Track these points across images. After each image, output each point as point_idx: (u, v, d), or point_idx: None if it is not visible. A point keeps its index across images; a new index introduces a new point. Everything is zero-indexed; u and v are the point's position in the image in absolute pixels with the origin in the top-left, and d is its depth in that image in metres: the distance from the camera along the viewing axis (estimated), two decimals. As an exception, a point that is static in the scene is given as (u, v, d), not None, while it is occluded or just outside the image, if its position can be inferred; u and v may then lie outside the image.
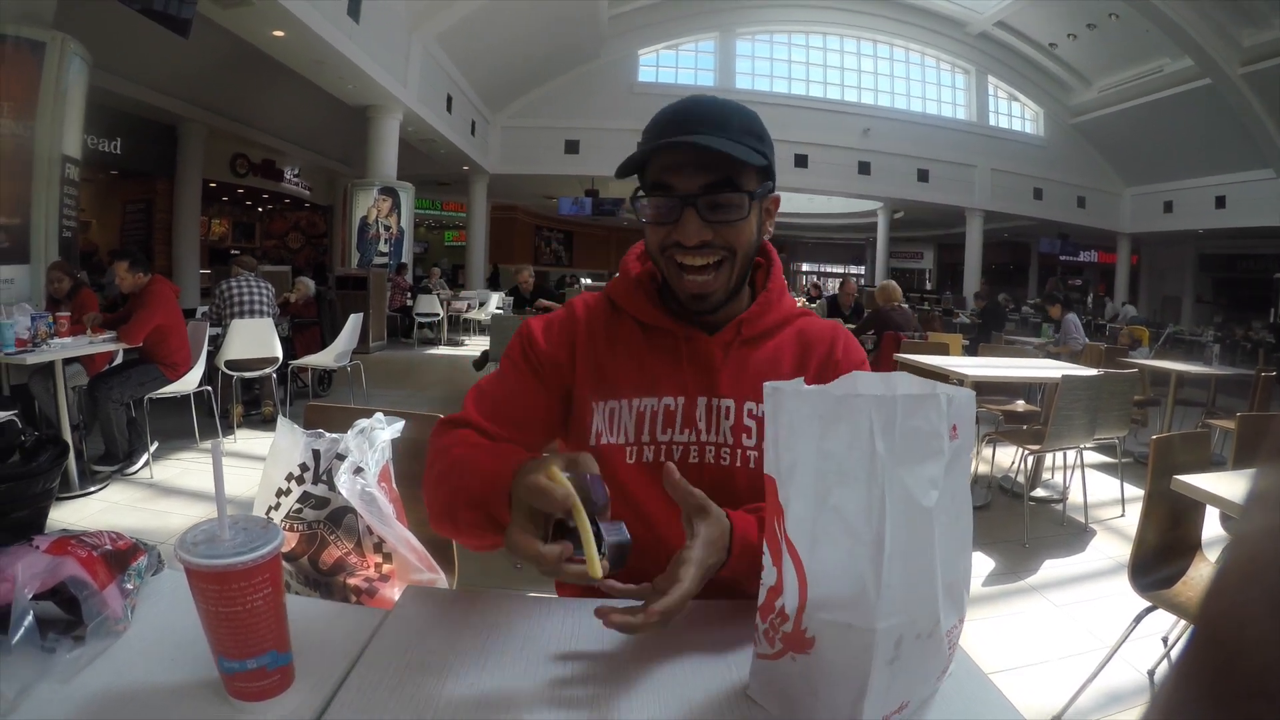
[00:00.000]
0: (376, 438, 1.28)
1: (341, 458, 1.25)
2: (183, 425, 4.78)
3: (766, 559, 0.72)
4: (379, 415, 1.34)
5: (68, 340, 4.27)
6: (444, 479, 0.97)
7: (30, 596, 0.74)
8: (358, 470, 1.21)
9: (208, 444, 4.91)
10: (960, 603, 0.72)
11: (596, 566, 0.72)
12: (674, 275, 1.05)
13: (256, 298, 5.69)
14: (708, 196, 0.99)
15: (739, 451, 1.07)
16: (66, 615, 0.77)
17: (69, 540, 0.84)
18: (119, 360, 4.79)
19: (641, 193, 1.04)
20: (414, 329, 12.28)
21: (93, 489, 4.03)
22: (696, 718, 0.72)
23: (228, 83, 12.26)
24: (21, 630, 0.72)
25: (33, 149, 5.97)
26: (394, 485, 1.30)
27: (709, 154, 0.96)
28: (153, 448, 4.47)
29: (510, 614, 0.92)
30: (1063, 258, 22.78)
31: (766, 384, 0.71)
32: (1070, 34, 18.49)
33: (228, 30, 8.85)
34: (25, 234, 6.00)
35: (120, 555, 0.87)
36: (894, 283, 6.83)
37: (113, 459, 4.29)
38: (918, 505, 0.64)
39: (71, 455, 3.95)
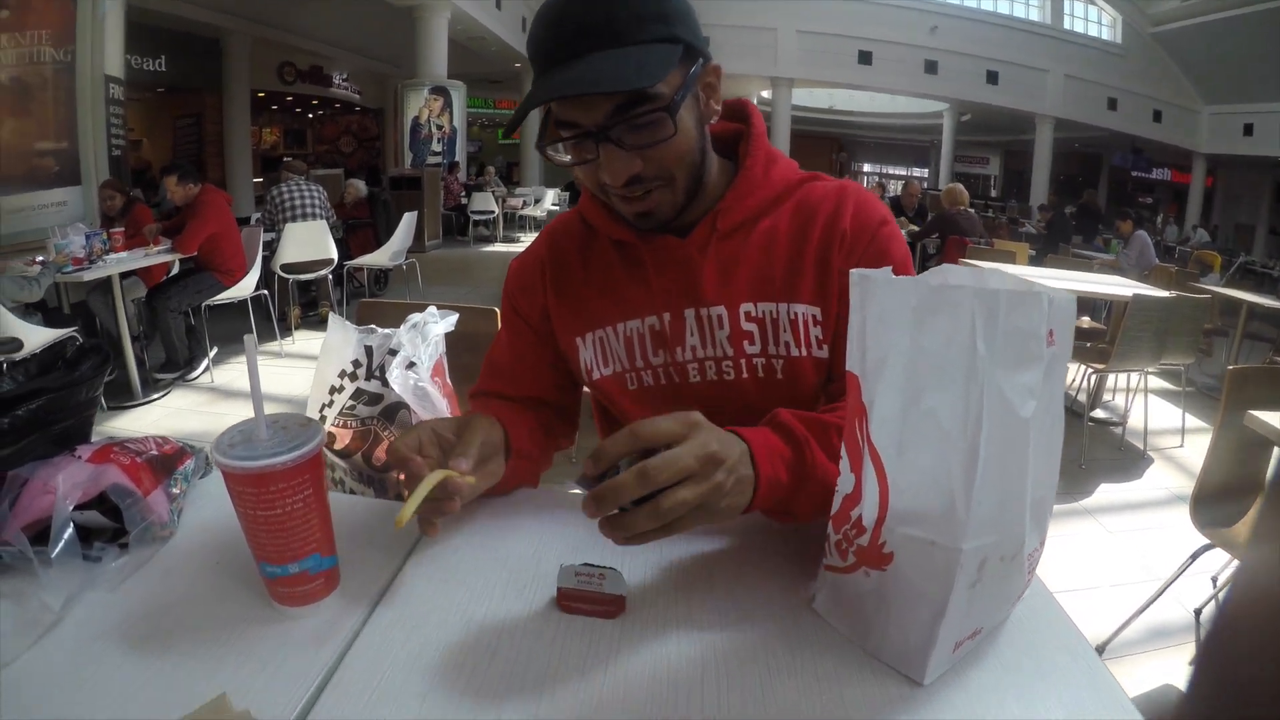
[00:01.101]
0: (430, 331, 1.23)
1: (394, 353, 1.22)
2: (241, 330, 4.76)
3: (844, 464, 0.65)
4: (432, 309, 1.28)
5: (123, 255, 4.34)
6: None
7: (72, 507, 0.73)
8: (410, 365, 1.17)
9: (266, 347, 5.02)
10: (1044, 525, 0.65)
11: (401, 518, 0.65)
12: (613, 203, 0.91)
13: (308, 201, 5.69)
14: (620, 124, 0.80)
15: (742, 361, 0.95)
16: (111, 523, 0.75)
17: (112, 448, 0.81)
18: (175, 271, 4.87)
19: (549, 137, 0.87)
20: (469, 227, 12.18)
21: (155, 396, 4.14)
22: (757, 629, 0.67)
23: (269, -11, 12.06)
24: (62, 542, 0.70)
25: (74, 73, 5.98)
26: (448, 380, 1.26)
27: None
28: (212, 353, 4.57)
29: (565, 509, 0.88)
30: (1135, 173, 21.78)
31: (853, 271, 0.62)
32: (1155, -66, 17.08)
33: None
34: (74, 157, 6.04)
35: (166, 460, 0.85)
36: (960, 186, 6.56)
37: (174, 366, 4.40)
38: (1015, 415, 0.56)
39: (133, 364, 4.10)
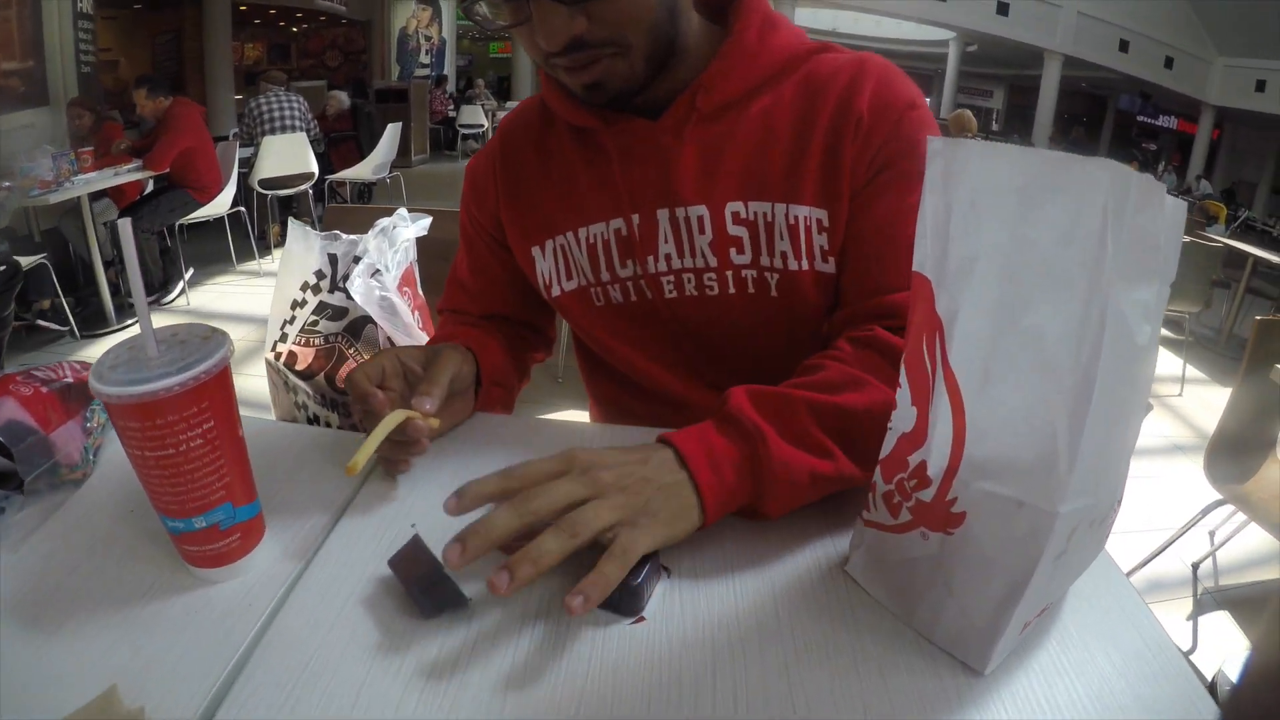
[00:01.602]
0: (398, 236, 1.09)
1: (359, 260, 1.07)
2: (220, 249, 4.71)
3: (904, 394, 0.50)
4: (401, 211, 1.14)
5: (92, 175, 4.12)
6: None
7: None
8: (375, 273, 1.03)
9: (245, 266, 4.85)
10: (1125, 478, 0.50)
11: (355, 464, 0.56)
12: (561, 78, 0.73)
13: (288, 112, 5.45)
14: None
15: (728, 274, 0.78)
16: (14, 466, 0.62)
17: (14, 377, 0.67)
18: (150, 190, 4.65)
19: None
20: (458, 141, 11.74)
21: (130, 323, 3.98)
22: (777, 596, 0.54)
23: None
24: None
25: None
26: (420, 291, 1.12)
27: None
28: (188, 275, 4.42)
29: (543, 440, 0.75)
30: (1141, 118, 21.30)
31: (933, 139, 0.47)
32: None
33: None
34: (42, 76, 5.77)
35: (82, 389, 0.70)
36: (968, 112, 6.24)
37: (149, 289, 4.21)
38: (1131, 342, 0.42)
39: (106, 290, 3.95)
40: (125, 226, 0.49)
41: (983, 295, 0.44)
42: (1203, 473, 2.00)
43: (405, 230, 1.11)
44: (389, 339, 1.05)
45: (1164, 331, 4.89)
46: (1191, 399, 3.97)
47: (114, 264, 4.27)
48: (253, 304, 4.16)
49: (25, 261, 3.36)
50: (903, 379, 0.50)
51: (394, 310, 1.02)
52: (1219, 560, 2.40)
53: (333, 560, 0.56)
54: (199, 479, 0.50)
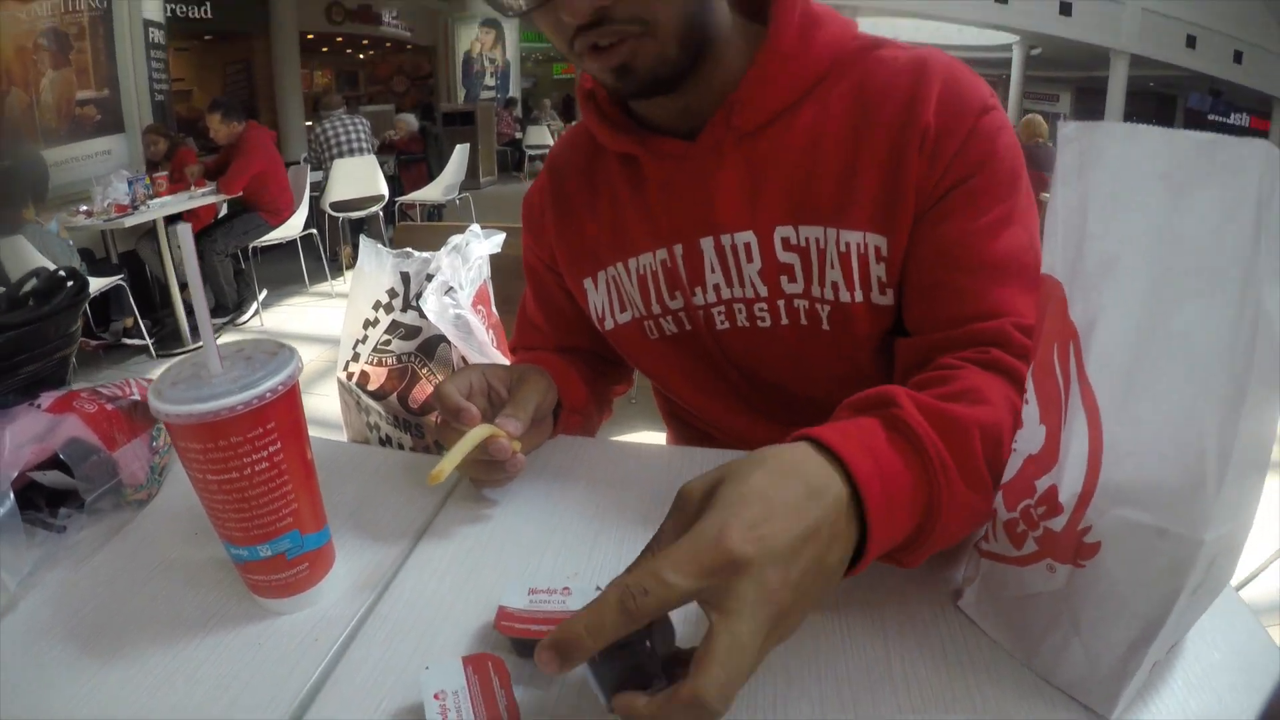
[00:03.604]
0: (471, 253, 1.06)
1: (433, 279, 1.05)
2: (292, 271, 4.83)
3: (1031, 412, 0.45)
4: (474, 228, 1.12)
5: (167, 199, 4.28)
6: None
7: (25, 468, 0.58)
8: (449, 290, 1.01)
9: (317, 287, 4.96)
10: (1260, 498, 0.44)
11: (440, 472, 0.55)
12: (588, 68, 0.67)
13: (353, 135, 5.58)
14: None
15: (780, 304, 0.71)
16: (75, 485, 0.61)
17: (78, 394, 0.66)
18: (223, 214, 4.81)
19: None
20: (525, 162, 11.91)
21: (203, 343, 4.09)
22: (878, 635, 0.49)
23: (312, -76, 11.90)
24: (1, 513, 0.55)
25: (112, 19, 5.90)
26: (494, 309, 1.10)
27: None
28: (261, 296, 4.54)
29: (630, 467, 0.71)
30: (1212, 117, 20.52)
31: (1068, 125, 0.41)
32: None
33: None
34: (117, 105, 5.99)
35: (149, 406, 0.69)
36: (1039, 117, 6.15)
37: (223, 311, 4.37)
38: (1278, 345, 0.36)
39: (181, 311, 4.10)
40: (185, 232, 0.47)
41: (1125, 297, 0.39)
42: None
43: (478, 247, 1.09)
44: (463, 358, 1.03)
45: None
46: None
47: (189, 285, 4.41)
48: (325, 324, 4.25)
49: (103, 283, 3.49)
50: (1030, 395, 0.45)
51: (469, 329, 1.00)
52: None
53: (407, 591, 0.54)
54: (264, 505, 0.47)
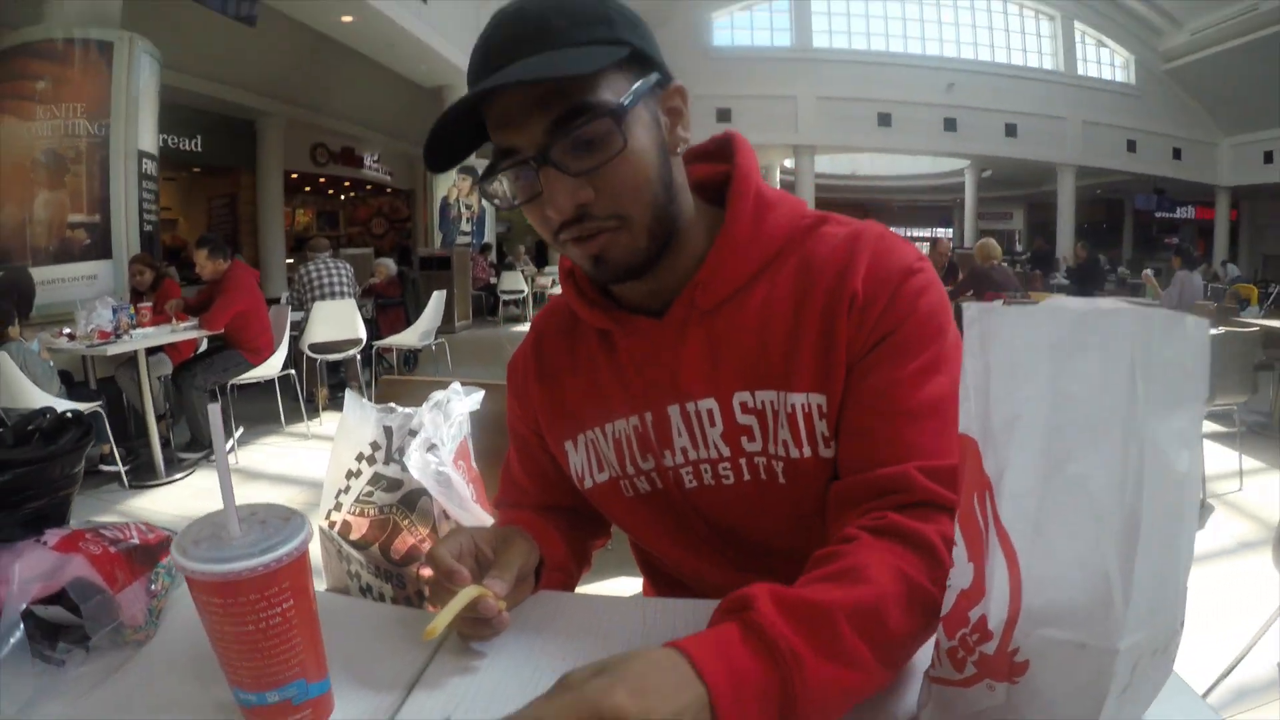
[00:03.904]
0: (453, 410, 1.12)
1: (415, 434, 1.10)
2: (268, 410, 4.83)
3: (960, 552, 0.52)
4: (455, 385, 1.19)
5: (150, 330, 4.34)
6: None
7: (27, 602, 0.62)
8: (431, 447, 1.06)
9: (293, 428, 4.95)
10: (1185, 601, 0.51)
11: (434, 628, 0.60)
12: (571, 254, 0.76)
13: (336, 279, 5.71)
14: (560, 141, 0.66)
15: (742, 461, 0.78)
16: (79, 621, 0.65)
17: (83, 534, 0.71)
18: (203, 348, 4.88)
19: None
20: (499, 307, 12.15)
21: (179, 476, 4.08)
22: None
23: (301, 73, 12.45)
24: (9, 645, 0.59)
25: (109, 147, 6.07)
26: (473, 464, 1.15)
27: (539, 85, 0.65)
28: (238, 433, 4.53)
29: (600, 616, 0.75)
30: (1159, 214, 21.62)
31: (969, 306, 0.49)
32: (1160, -29, 17.30)
33: (297, 20, 8.92)
34: (106, 231, 6.09)
35: (148, 550, 0.73)
36: (992, 240, 6.48)
37: (199, 446, 4.36)
38: (1171, 471, 0.43)
39: (157, 443, 4.06)
40: (215, 414, 0.53)
41: (1026, 451, 0.47)
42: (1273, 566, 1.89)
43: (459, 405, 1.14)
44: (444, 511, 1.07)
45: (1213, 426, 4.82)
46: (1253, 491, 3.83)
47: (165, 417, 4.43)
48: (300, 466, 4.23)
49: (80, 408, 3.46)
50: (958, 537, 0.52)
51: (450, 484, 1.04)
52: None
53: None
54: (276, 654, 0.52)
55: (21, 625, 0.60)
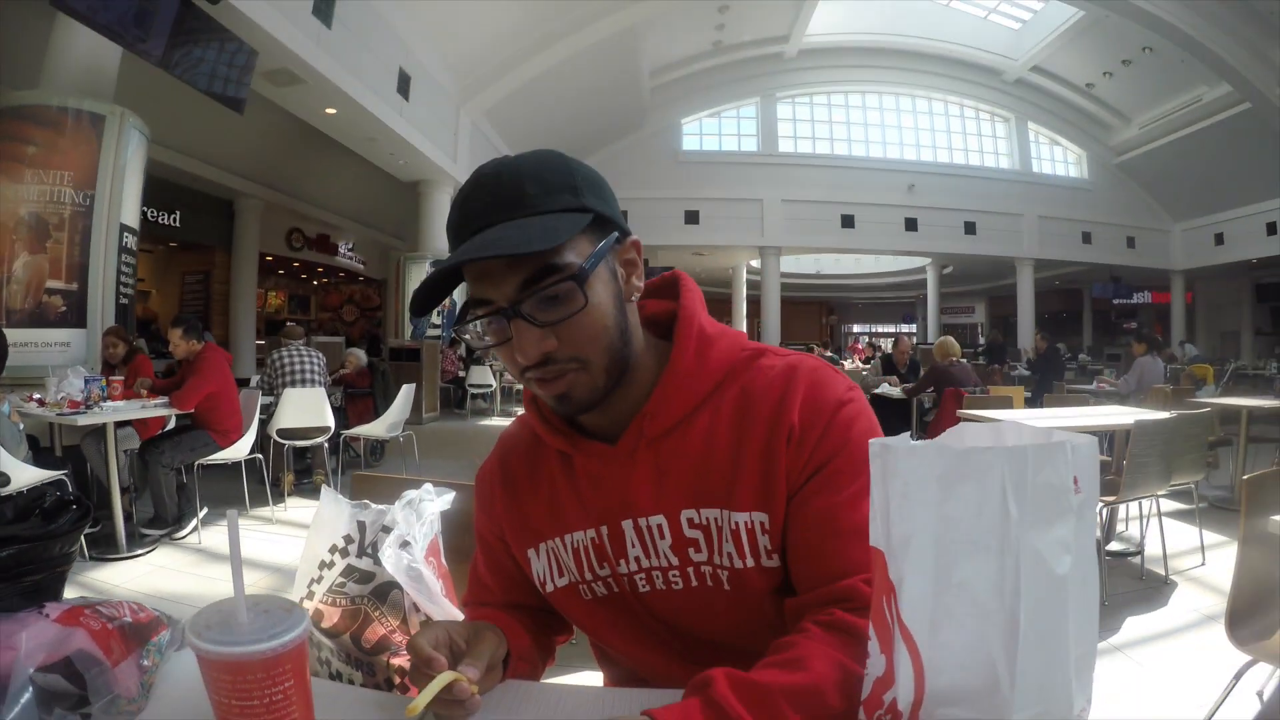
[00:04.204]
0: (424, 510, 1.21)
1: (388, 530, 1.18)
2: (233, 492, 4.79)
3: (873, 645, 0.61)
4: (427, 486, 1.27)
5: (120, 404, 4.34)
6: None
7: (33, 670, 0.68)
8: (404, 544, 1.14)
9: (258, 512, 4.92)
10: (1088, 683, 0.60)
11: (415, 708, 0.67)
12: (535, 389, 0.84)
13: (308, 366, 5.73)
14: (529, 297, 0.76)
15: (690, 570, 0.86)
16: (75, 690, 0.70)
17: (83, 610, 0.77)
18: (171, 425, 4.86)
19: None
20: (467, 400, 12.23)
21: (140, 552, 4.04)
22: None
23: (283, 158, 12.73)
24: (19, 706, 0.65)
25: (91, 217, 6.15)
26: (443, 560, 1.23)
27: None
28: (202, 513, 4.48)
29: (563, 703, 0.82)
30: (1116, 301, 22.30)
31: (873, 442, 0.60)
32: (1106, 72, 18.48)
33: (282, 108, 9.18)
34: (83, 300, 6.13)
35: (140, 628, 0.80)
36: (951, 339, 6.70)
37: (161, 523, 4.32)
38: (1051, 574, 0.53)
39: (120, 517, 4.02)
40: (233, 519, 0.62)
41: (920, 562, 0.56)
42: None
43: (430, 505, 1.22)
44: (415, 604, 1.13)
45: (1175, 505, 4.96)
46: (1216, 565, 3.93)
47: (129, 491, 4.39)
48: (264, 551, 4.17)
49: (43, 475, 3.48)
50: (871, 633, 0.61)
51: (421, 579, 1.11)
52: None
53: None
54: (277, 727, 0.59)
55: (31, 688, 0.66)
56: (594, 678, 1.13)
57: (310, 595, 1.21)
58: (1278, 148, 15.47)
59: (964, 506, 0.54)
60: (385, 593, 1.16)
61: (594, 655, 1.11)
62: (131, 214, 6.64)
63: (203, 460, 4.54)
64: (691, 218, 18.57)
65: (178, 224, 12.63)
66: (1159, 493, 3.84)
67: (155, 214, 11.67)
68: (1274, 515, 1.83)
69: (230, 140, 11.11)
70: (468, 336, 0.83)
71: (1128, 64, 17.55)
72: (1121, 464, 3.60)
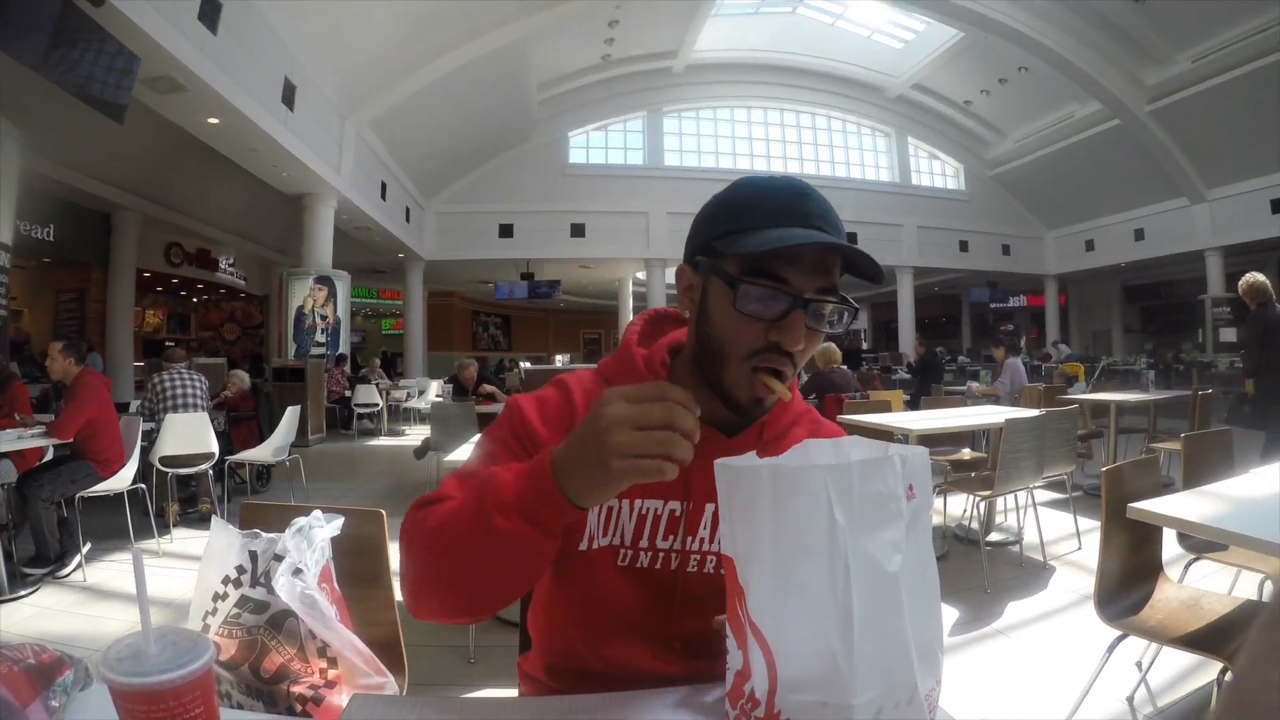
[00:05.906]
0: (315, 536, 1.23)
1: (280, 558, 1.20)
2: (117, 525, 4.56)
3: (731, 643, 0.71)
4: (317, 513, 1.30)
5: (-6, 434, 4.08)
6: (439, 532, 0.83)
7: None
8: (296, 571, 1.17)
9: (144, 544, 4.69)
10: (936, 663, 0.71)
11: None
12: (741, 374, 0.90)
13: (190, 391, 5.51)
14: (819, 301, 0.87)
15: None
16: None
17: None
18: (49, 457, 4.61)
19: (745, 277, 0.87)
20: (353, 420, 11.95)
21: (23, 593, 3.82)
22: None
23: (163, 170, 12.14)
24: None
25: None
26: (335, 586, 1.26)
27: (830, 254, 0.87)
28: (85, 549, 4.25)
29: (466, 718, 0.87)
30: (993, 305, 23.33)
31: (718, 461, 0.70)
32: (983, 90, 19.45)
33: (163, 117, 8.81)
34: None
35: (45, 670, 0.81)
36: (832, 345, 6.87)
37: (44, 561, 4.08)
38: (883, 572, 0.63)
39: (-1, 557, 3.77)
40: (137, 555, 0.66)
41: (764, 566, 0.65)
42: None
43: (320, 531, 1.24)
44: (310, 631, 1.16)
45: (1051, 494, 5.41)
46: (1092, 549, 4.13)
47: (8, 528, 4.13)
48: (153, 585, 3.91)
49: None
50: (728, 630, 0.71)
51: (315, 605, 1.14)
52: (1151, 685, 2.50)
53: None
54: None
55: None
56: (507, 692, 1.14)
57: (205, 629, 1.21)
58: (1145, 160, 16.81)
59: (796, 517, 0.64)
60: (280, 621, 1.18)
61: (532, 633, 1.11)
62: (5, 228, 6.24)
63: (84, 492, 4.32)
64: (578, 230, 18.58)
65: (51, 238, 11.88)
66: (1034, 485, 4.13)
67: (28, 227, 10.95)
68: (1132, 503, 1.97)
69: (108, 150, 10.52)
70: (750, 308, 0.88)
71: (1004, 82, 18.56)
72: (997, 460, 3.85)
